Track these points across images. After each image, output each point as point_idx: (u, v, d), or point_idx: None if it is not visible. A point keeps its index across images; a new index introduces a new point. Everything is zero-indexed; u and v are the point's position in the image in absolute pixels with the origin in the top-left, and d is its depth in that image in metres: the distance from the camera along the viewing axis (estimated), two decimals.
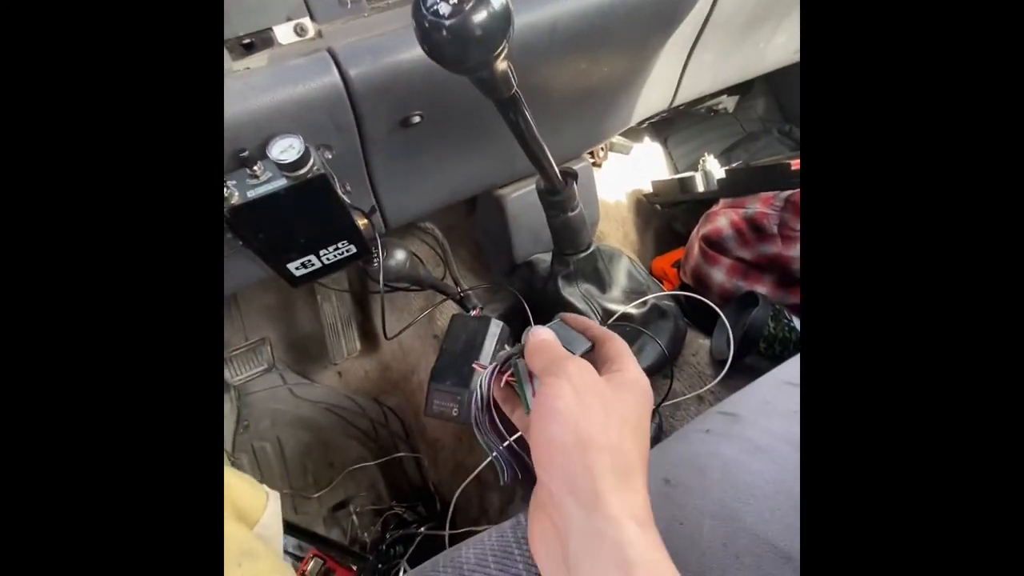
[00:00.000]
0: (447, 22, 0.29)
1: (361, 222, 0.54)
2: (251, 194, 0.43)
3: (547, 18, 0.49)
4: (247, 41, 0.45)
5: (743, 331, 0.72)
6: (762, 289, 0.81)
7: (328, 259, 0.54)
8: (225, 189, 0.43)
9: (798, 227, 0.78)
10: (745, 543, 0.32)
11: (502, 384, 0.31)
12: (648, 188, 1.16)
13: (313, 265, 0.54)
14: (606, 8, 0.51)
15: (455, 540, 0.53)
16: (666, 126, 1.23)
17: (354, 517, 0.85)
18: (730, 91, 1.15)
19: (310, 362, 0.97)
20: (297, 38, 0.46)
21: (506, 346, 0.52)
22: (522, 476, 0.32)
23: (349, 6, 0.48)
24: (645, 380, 0.29)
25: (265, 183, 0.43)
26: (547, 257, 0.80)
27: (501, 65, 0.34)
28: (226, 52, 0.43)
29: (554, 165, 0.54)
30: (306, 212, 0.47)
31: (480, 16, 0.29)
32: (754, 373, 0.49)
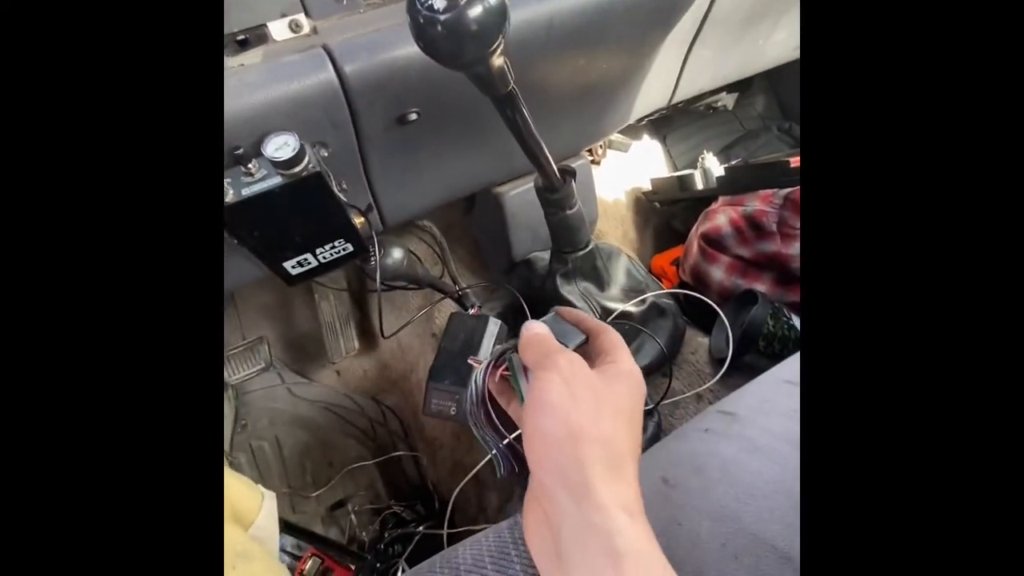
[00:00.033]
0: (442, 17, 0.28)
1: (358, 220, 0.54)
2: (246, 192, 0.43)
3: (544, 14, 0.48)
4: (241, 37, 0.45)
5: (742, 329, 0.72)
6: (761, 287, 0.80)
7: (325, 258, 0.54)
8: None
9: (797, 225, 0.78)
10: (744, 543, 0.32)
11: (496, 378, 0.31)
12: (647, 186, 1.16)
13: (309, 264, 0.53)
14: (604, 4, 0.50)
15: (453, 539, 0.53)
16: (665, 123, 1.23)
17: (352, 516, 0.84)
18: (729, 88, 1.15)
19: (308, 361, 0.97)
20: (292, 34, 0.46)
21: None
22: (519, 470, 0.32)
23: (344, 2, 0.48)
24: (638, 372, 0.29)
25: (260, 181, 0.43)
26: (545, 255, 0.79)
27: (497, 61, 0.33)
28: None
29: (552, 163, 0.54)
30: (302, 210, 0.47)
31: (475, 11, 0.28)
32: (753, 371, 0.49)
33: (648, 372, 0.75)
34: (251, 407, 0.92)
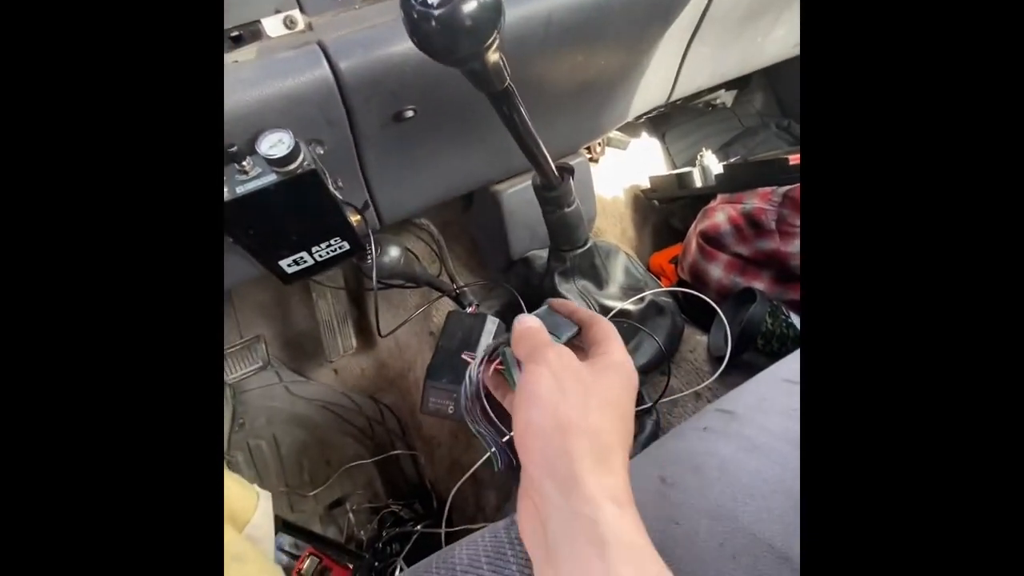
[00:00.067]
0: (436, 12, 0.28)
1: (354, 218, 0.53)
2: (240, 190, 0.42)
3: (542, 10, 0.48)
4: (235, 34, 0.44)
5: (741, 327, 0.72)
6: (760, 285, 0.80)
7: (321, 256, 0.53)
8: None
9: (796, 223, 0.77)
10: (742, 543, 0.32)
11: (490, 373, 0.31)
12: (645, 183, 1.16)
13: (305, 262, 0.53)
14: (603, 0, 0.50)
15: (451, 538, 0.53)
16: (664, 121, 1.22)
17: (350, 515, 0.84)
18: (728, 86, 1.15)
19: (306, 360, 0.96)
20: (286, 31, 0.46)
21: None
22: (517, 465, 0.32)
23: None
24: (629, 362, 0.29)
25: (254, 179, 0.42)
26: (544, 253, 0.79)
27: (493, 57, 0.33)
28: None
29: (550, 160, 0.53)
30: (297, 208, 0.46)
31: (470, 6, 0.28)
32: (752, 369, 0.49)
33: (646, 370, 0.75)
34: (248, 406, 0.92)
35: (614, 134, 1.14)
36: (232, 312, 0.95)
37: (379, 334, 0.69)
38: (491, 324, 0.65)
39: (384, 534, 0.81)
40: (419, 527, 0.80)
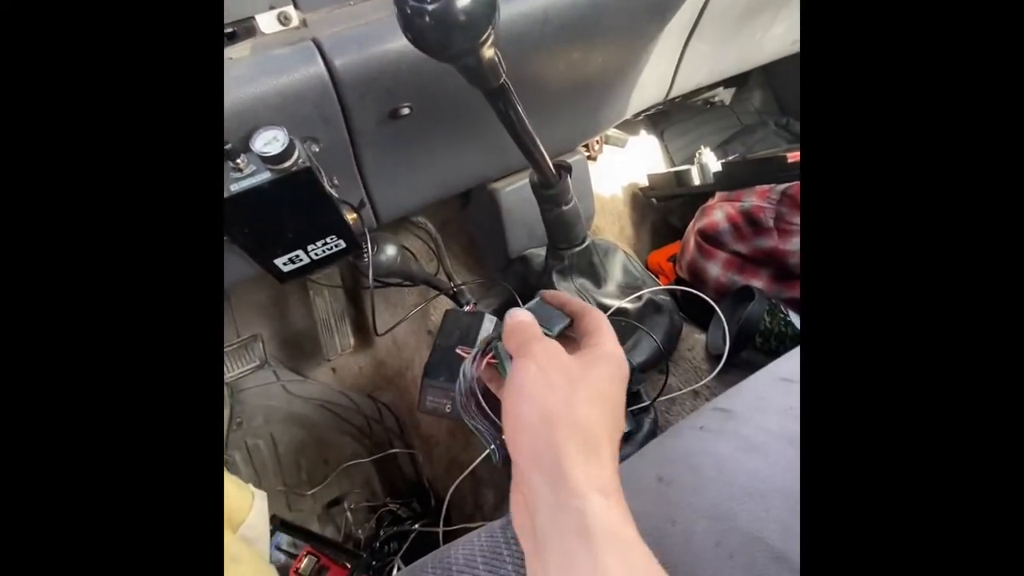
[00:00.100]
0: (429, 7, 0.28)
1: (350, 216, 0.53)
2: (234, 188, 0.42)
3: (539, 7, 0.47)
4: (229, 30, 0.44)
5: (739, 326, 0.71)
6: (758, 283, 0.80)
7: (316, 254, 0.53)
8: None
9: (794, 221, 0.77)
10: (739, 542, 0.32)
11: (483, 367, 0.31)
12: (644, 181, 1.15)
13: (301, 261, 0.53)
14: None
15: (449, 537, 0.52)
16: (662, 119, 1.22)
17: (348, 514, 0.84)
18: (727, 83, 1.14)
19: (303, 358, 0.96)
20: (281, 27, 0.45)
21: None
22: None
23: None
24: (619, 353, 0.29)
25: (248, 176, 0.42)
26: (542, 252, 0.79)
27: (488, 52, 0.33)
28: None
29: (547, 158, 0.53)
30: (292, 206, 0.46)
31: (464, 1, 0.28)
32: (750, 368, 0.49)
33: (644, 369, 0.75)
34: (246, 405, 0.92)
35: (612, 132, 1.14)
36: (229, 311, 0.94)
37: (375, 333, 0.69)
38: (488, 322, 0.65)
39: (382, 533, 0.81)
40: (417, 526, 0.80)
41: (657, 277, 0.94)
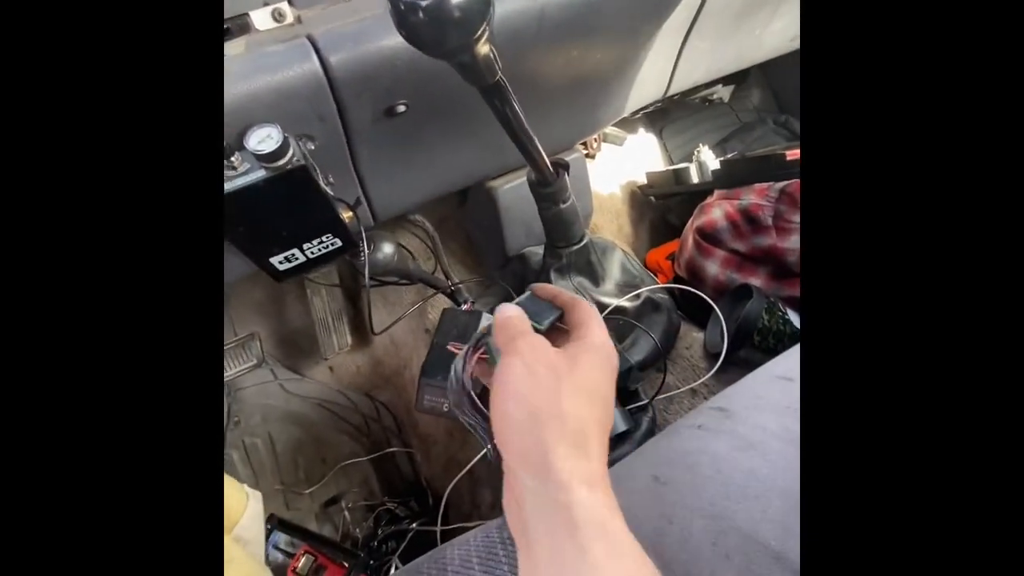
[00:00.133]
0: (423, 3, 0.27)
1: (346, 215, 0.53)
2: (229, 186, 0.42)
3: (536, 4, 0.47)
4: (223, 27, 0.43)
5: (737, 324, 0.71)
6: (756, 281, 0.80)
7: (312, 253, 0.53)
8: None
9: (793, 219, 0.77)
10: (735, 542, 0.31)
11: (474, 362, 0.31)
12: (642, 179, 1.15)
13: (297, 259, 0.52)
14: None
15: (447, 536, 0.52)
16: (661, 116, 1.22)
17: (346, 513, 0.84)
18: (725, 81, 1.14)
19: (301, 357, 0.96)
20: (275, 24, 0.45)
21: None
22: None
23: None
24: (608, 344, 0.29)
25: (243, 175, 0.42)
26: (540, 250, 0.79)
27: (483, 49, 0.32)
28: None
29: (544, 156, 0.53)
30: (287, 204, 0.46)
31: None
32: (748, 366, 0.49)
33: (643, 367, 0.74)
34: (244, 404, 0.91)
35: (610, 130, 1.14)
36: (227, 309, 0.94)
37: (372, 332, 0.69)
38: (486, 321, 0.64)
39: (380, 532, 0.81)
40: (415, 525, 0.80)
41: (655, 275, 0.93)
